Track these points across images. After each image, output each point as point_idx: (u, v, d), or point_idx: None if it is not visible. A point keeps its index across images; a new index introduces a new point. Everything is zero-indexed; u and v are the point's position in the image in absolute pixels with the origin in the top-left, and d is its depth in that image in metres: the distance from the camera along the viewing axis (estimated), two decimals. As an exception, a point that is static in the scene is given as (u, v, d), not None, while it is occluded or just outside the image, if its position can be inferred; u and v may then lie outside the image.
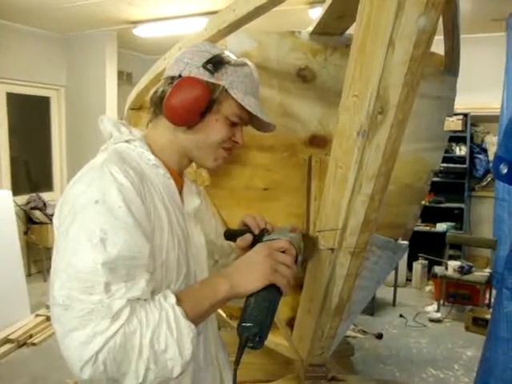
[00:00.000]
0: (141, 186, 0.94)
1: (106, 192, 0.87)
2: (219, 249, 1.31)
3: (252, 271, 0.94)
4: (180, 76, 1.03)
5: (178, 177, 1.12)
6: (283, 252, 1.00)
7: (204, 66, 1.03)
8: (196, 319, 0.89)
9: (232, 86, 1.04)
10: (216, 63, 1.03)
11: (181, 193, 1.11)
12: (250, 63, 1.10)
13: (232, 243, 1.27)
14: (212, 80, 1.03)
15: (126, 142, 1.04)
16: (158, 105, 1.06)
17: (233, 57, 1.08)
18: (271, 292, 0.93)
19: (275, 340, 1.95)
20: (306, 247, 1.28)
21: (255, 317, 0.89)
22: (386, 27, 0.95)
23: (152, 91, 1.10)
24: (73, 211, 0.87)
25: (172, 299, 0.87)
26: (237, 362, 0.89)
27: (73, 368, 0.79)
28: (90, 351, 0.77)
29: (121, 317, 0.80)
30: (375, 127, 1.06)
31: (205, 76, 1.02)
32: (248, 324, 0.88)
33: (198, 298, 0.92)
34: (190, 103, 1.00)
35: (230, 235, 1.22)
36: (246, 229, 1.19)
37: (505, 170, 1.41)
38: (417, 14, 0.91)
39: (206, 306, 0.92)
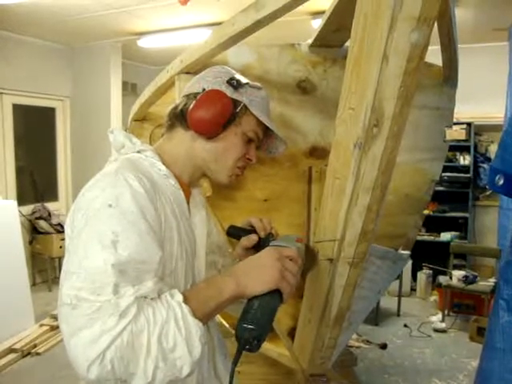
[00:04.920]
0: (153, 194, 0.95)
1: (120, 197, 0.88)
2: (222, 255, 1.31)
3: (261, 273, 0.94)
4: (204, 90, 1.09)
5: (187, 188, 1.14)
6: (290, 261, 1.00)
7: (228, 82, 1.10)
8: (202, 318, 0.88)
9: (251, 104, 1.11)
10: (238, 81, 1.11)
11: (188, 204, 1.12)
12: (263, 88, 1.18)
13: (231, 249, 1.28)
14: (234, 96, 1.09)
15: (138, 152, 1.07)
16: (179, 117, 1.11)
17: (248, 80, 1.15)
18: (275, 297, 0.94)
19: (277, 350, 1.95)
20: (307, 259, 1.29)
21: (258, 320, 0.89)
22: (379, 42, 0.98)
23: (171, 107, 1.15)
24: (86, 215, 0.88)
25: (179, 297, 0.87)
26: (235, 363, 0.90)
27: (79, 368, 0.78)
28: (97, 349, 0.76)
29: (128, 314, 0.79)
30: (371, 139, 1.08)
31: (228, 91, 1.09)
32: (250, 326, 0.88)
33: (204, 297, 0.92)
34: (216, 112, 1.05)
35: (234, 232, 1.22)
36: (251, 229, 1.19)
37: (501, 182, 1.41)
38: (409, 28, 0.93)
39: (212, 306, 0.92)
